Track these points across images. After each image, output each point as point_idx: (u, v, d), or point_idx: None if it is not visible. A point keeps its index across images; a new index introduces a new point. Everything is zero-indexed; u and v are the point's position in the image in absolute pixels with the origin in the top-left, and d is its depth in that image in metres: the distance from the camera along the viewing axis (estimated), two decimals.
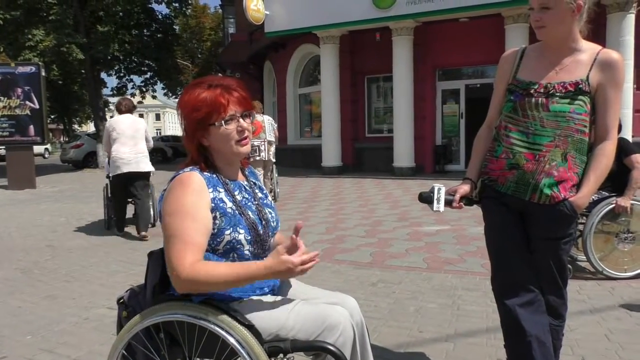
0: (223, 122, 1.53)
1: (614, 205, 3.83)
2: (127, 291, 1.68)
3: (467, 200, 2.06)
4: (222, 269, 1.43)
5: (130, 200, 6.12)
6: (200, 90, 1.54)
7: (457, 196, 2.03)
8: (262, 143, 7.71)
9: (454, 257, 4.64)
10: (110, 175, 6.03)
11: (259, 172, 7.64)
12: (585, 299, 3.42)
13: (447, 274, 4.11)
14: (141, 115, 76.69)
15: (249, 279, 1.45)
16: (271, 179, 8.31)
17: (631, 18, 10.06)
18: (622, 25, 10.05)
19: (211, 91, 1.53)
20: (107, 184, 6.47)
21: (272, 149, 7.97)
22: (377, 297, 3.59)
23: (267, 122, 7.88)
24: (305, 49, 15.25)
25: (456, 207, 2.04)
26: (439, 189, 2.01)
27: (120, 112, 6.05)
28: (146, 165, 5.92)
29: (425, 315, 3.21)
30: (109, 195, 6.41)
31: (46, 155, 32.44)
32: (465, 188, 2.05)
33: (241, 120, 1.56)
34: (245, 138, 1.58)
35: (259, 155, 7.67)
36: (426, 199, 2.03)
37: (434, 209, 2.01)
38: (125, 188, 5.95)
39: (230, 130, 1.54)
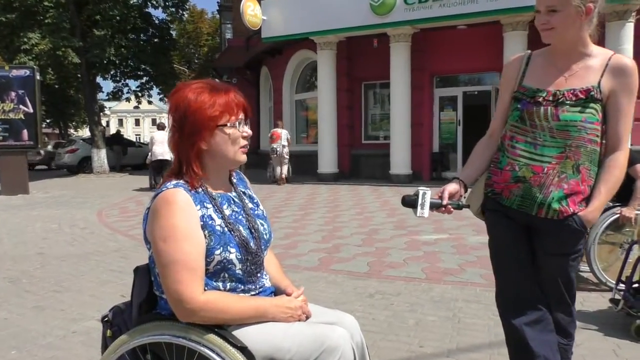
0: (237, 124, 1.46)
1: (618, 215, 3.75)
2: (111, 310, 1.57)
3: (456, 204, 1.88)
4: (235, 300, 1.43)
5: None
6: (208, 88, 1.45)
7: (446, 193, 1.86)
8: (279, 146, 12.48)
9: (454, 267, 4.54)
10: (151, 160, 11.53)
11: (277, 166, 12.76)
12: (589, 311, 3.33)
13: (446, 285, 4.01)
14: (137, 121, 76.66)
15: (261, 313, 1.44)
16: (284, 165, 13.01)
17: (630, 27, 10.03)
18: (620, 33, 10.00)
19: (223, 92, 1.46)
20: (151, 166, 11.83)
21: (285, 149, 12.59)
22: (374, 309, 3.49)
23: (283, 134, 12.65)
24: (302, 55, 15.20)
25: (443, 211, 1.86)
26: (424, 194, 1.84)
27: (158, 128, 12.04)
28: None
29: (425, 329, 3.11)
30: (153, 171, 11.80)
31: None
32: (454, 186, 1.89)
33: (246, 127, 1.51)
34: (246, 146, 1.52)
35: (275, 154, 12.61)
36: (409, 203, 1.86)
37: (417, 214, 1.84)
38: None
39: (239, 135, 1.48)
